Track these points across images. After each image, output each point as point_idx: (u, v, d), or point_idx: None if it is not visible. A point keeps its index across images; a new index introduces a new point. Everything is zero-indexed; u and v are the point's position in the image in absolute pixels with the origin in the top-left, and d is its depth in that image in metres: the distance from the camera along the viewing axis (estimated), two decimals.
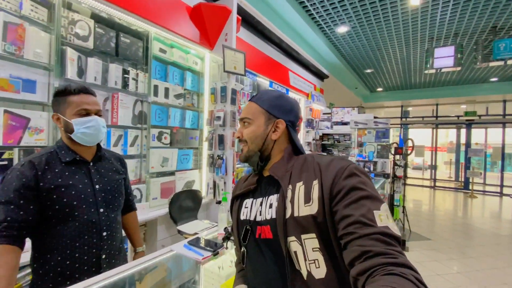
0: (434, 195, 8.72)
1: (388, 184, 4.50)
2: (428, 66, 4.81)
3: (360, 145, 4.86)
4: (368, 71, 7.26)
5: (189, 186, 2.52)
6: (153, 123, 2.24)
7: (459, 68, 4.85)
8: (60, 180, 0.98)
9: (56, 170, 0.99)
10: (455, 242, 4.15)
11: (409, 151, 5.08)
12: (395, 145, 4.68)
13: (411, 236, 4.42)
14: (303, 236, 0.59)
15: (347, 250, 0.51)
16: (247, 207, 0.74)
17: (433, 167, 10.44)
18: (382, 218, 0.51)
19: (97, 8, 1.80)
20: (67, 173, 1.00)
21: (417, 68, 6.87)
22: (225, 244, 1.19)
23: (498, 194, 8.86)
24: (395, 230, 0.50)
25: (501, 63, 4.57)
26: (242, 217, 0.74)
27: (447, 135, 13.86)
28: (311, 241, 0.58)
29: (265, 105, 0.75)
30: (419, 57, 5.95)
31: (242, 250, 0.73)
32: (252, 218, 0.71)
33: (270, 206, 0.67)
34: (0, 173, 1.38)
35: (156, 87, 2.25)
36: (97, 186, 1.06)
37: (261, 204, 0.70)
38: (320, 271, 0.57)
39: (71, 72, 1.67)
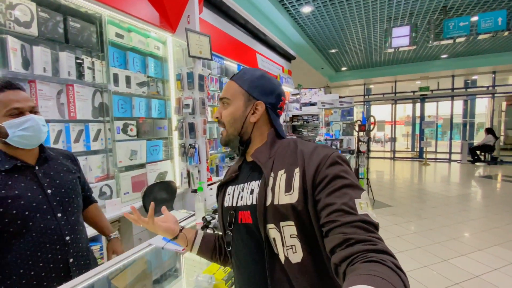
0: (394, 165, 9.54)
1: (353, 159, 4.81)
2: (387, 45, 5.06)
3: (328, 124, 5.08)
4: (333, 51, 7.44)
5: (161, 177, 2.46)
6: (116, 114, 2.11)
7: (414, 47, 5.17)
8: (3, 191, 0.88)
9: None
10: (412, 206, 4.65)
11: (372, 127, 5.42)
12: (358, 122, 4.96)
13: (375, 204, 4.84)
14: (281, 224, 0.60)
15: (329, 237, 0.52)
16: (229, 194, 0.75)
17: (393, 139, 11.32)
18: (363, 206, 0.53)
19: None
20: (10, 183, 0.91)
21: (378, 48, 7.19)
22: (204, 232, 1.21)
23: (447, 161, 9.96)
24: (374, 217, 0.53)
25: (451, 41, 4.96)
26: (226, 204, 0.75)
27: (405, 110, 15.00)
28: (289, 228, 0.60)
29: (245, 85, 0.72)
30: (379, 36, 6.22)
31: (227, 235, 0.75)
32: (234, 204, 0.72)
33: (251, 192, 0.68)
34: None
35: (116, 75, 2.09)
36: (49, 191, 0.98)
37: (242, 190, 0.71)
38: (296, 256, 0.60)
39: (15, 64, 1.49)
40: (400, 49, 5.29)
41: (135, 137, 2.27)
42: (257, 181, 0.67)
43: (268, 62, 4.67)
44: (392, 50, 5.03)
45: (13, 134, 0.90)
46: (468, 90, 10.19)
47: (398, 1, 4.44)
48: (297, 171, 0.61)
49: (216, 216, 1.29)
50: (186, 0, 2.39)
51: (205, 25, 2.88)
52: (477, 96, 10.07)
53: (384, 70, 9.98)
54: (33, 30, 1.57)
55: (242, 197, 0.70)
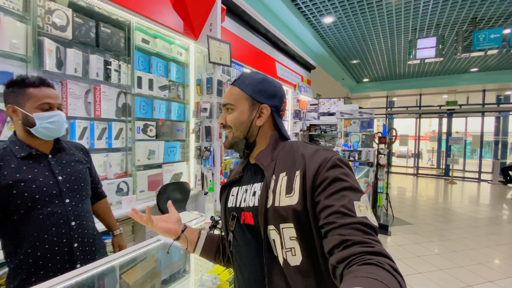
0: (417, 182, 9.08)
1: (372, 172, 4.65)
2: (411, 57, 4.92)
3: (346, 135, 4.97)
4: (354, 62, 7.35)
5: (176, 178, 2.52)
6: (138, 115, 2.21)
7: (440, 59, 4.99)
8: (18, 175, 0.97)
9: (12, 166, 0.97)
10: (434, 226, 4.38)
11: (393, 140, 5.23)
12: (379, 134, 4.81)
13: (394, 221, 4.62)
14: (281, 225, 0.61)
15: (327, 238, 0.53)
16: (233, 195, 0.76)
17: (416, 155, 10.82)
18: (362, 209, 0.53)
19: None
20: (24, 168, 0.99)
21: (402, 59, 7.01)
22: (212, 232, 1.22)
23: (476, 180, 9.32)
24: (373, 220, 0.53)
25: (481, 53, 4.73)
26: (229, 205, 0.76)
27: (430, 125, 14.34)
28: (289, 230, 0.60)
29: (248, 90, 0.72)
30: (403, 48, 6.07)
31: (229, 235, 0.75)
32: (237, 205, 0.73)
33: (254, 194, 0.69)
34: None
35: (139, 78, 2.21)
36: (60, 178, 1.06)
37: (246, 191, 0.72)
38: (295, 259, 0.60)
39: (50, 64, 1.62)
40: (426, 61, 5.12)
41: (154, 138, 2.35)
42: (260, 183, 0.68)
43: (287, 71, 4.70)
44: (417, 61, 4.87)
45: (39, 125, 0.99)
46: (501, 106, 9.58)
47: (424, 12, 4.34)
48: (298, 174, 0.61)
49: None
50: (209, 9, 2.50)
51: (226, 33, 2.97)
52: (510, 112, 9.44)
53: (409, 82, 9.67)
54: (68, 34, 1.71)
55: (245, 198, 0.71)
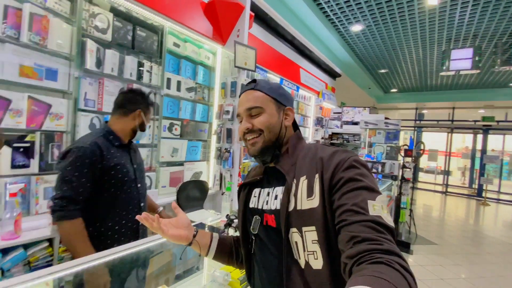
0: (445, 200, 8.52)
1: (395, 186, 4.45)
2: (444, 68, 4.69)
3: (370, 145, 4.82)
4: (382, 71, 7.14)
5: (196, 176, 2.60)
6: (165, 114, 2.33)
7: (477, 71, 4.70)
8: (115, 159, 1.20)
9: (112, 151, 1.20)
10: (462, 248, 4.08)
11: (421, 154, 4.99)
12: (405, 147, 4.62)
13: (417, 239, 4.37)
14: (304, 228, 0.61)
15: (339, 235, 0.53)
16: (255, 196, 0.77)
17: (446, 172, 10.18)
18: (376, 208, 0.52)
19: (116, 2, 1.89)
20: (118, 154, 1.23)
21: (434, 70, 6.70)
22: (226, 230, 1.25)
23: None
24: (388, 220, 0.51)
25: None
26: (251, 205, 0.77)
27: (464, 140, 13.43)
28: (311, 233, 0.60)
29: (272, 93, 0.74)
30: (436, 58, 5.80)
31: (248, 235, 0.77)
32: (260, 207, 0.74)
33: (276, 197, 0.70)
34: (23, 156, 1.49)
35: (169, 80, 2.33)
36: (134, 166, 1.31)
37: (268, 195, 0.73)
38: (317, 263, 0.59)
39: (90, 63, 1.77)
40: (461, 72, 4.85)
41: (178, 137, 2.46)
42: (281, 187, 0.69)
43: (311, 78, 4.69)
44: (451, 73, 4.63)
45: (144, 132, 1.35)
46: None
47: (460, 22, 4.14)
48: (317, 177, 0.62)
49: None
50: (238, 15, 2.58)
51: (252, 39, 3.04)
52: None
53: (441, 94, 9.19)
54: (108, 36, 1.86)
55: (267, 201, 0.72)
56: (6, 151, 1.42)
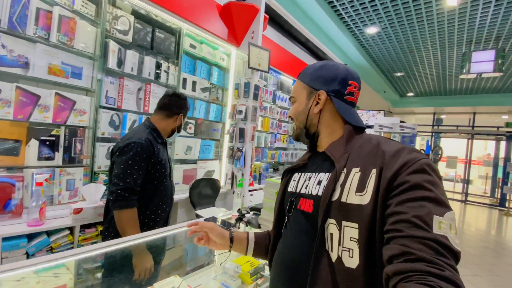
0: (465, 210, 8.16)
1: None
2: (464, 71, 4.54)
3: None
4: (398, 74, 7.00)
5: (209, 175, 2.65)
6: None
7: (499, 74, 4.52)
8: (160, 155, 1.36)
9: (158, 147, 1.36)
10: (482, 259, 3.90)
11: (438, 159, 4.83)
12: (422, 151, 4.49)
13: None
14: (344, 223, 0.56)
15: (388, 245, 0.47)
16: (294, 181, 0.74)
17: (466, 180, 9.76)
18: (443, 226, 0.44)
19: (137, 5, 1.98)
20: (162, 150, 1.39)
21: (453, 73, 6.50)
22: (237, 224, 1.28)
23: None
24: (455, 244, 0.43)
25: None
26: (289, 189, 0.75)
27: (486, 147, 12.85)
28: (352, 230, 0.55)
29: (307, 79, 0.73)
30: (456, 61, 5.63)
31: (283, 220, 0.74)
32: (297, 191, 0.71)
33: (319, 183, 0.65)
34: (48, 148, 1.59)
35: (184, 80, 2.40)
36: (169, 162, 1.48)
37: (309, 179, 0.69)
38: (351, 261, 0.54)
39: (112, 63, 1.86)
40: (483, 75, 4.68)
41: (192, 135, 2.52)
42: (326, 174, 0.64)
43: None
44: (472, 76, 4.47)
45: (180, 130, 1.52)
46: None
47: (481, 23, 4.01)
48: (374, 172, 0.55)
49: (251, 212, 1.35)
50: (252, 18, 2.63)
51: (266, 41, 3.09)
52: None
53: (461, 99, 8.87)
54: (129, 37, 1.95)
55: (307, 185, 0.68)
56: (34, 143, 1.51)
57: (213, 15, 2.46)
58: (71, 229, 1.49)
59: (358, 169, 0.58)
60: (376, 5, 3.70)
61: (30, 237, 1.33)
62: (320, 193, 0.63)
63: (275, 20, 3.24)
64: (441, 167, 11.70)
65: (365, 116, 5.33)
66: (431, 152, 4.29)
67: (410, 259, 0.42)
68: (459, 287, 0.38)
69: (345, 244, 0.55)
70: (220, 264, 1.20)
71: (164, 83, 2.24)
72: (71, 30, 1.64)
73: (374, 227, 0.52)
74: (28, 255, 1.31)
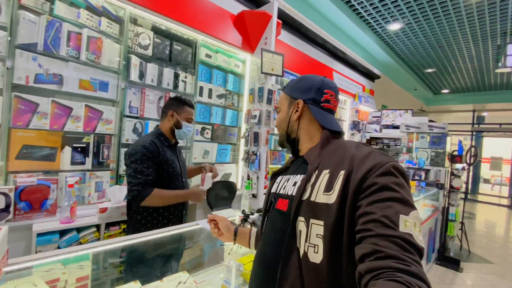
0: (511, 216, 7.38)
1: (442, 196, 4.05)
2: (500, 64, 4.16)
3: (409, 150, 4.48)
4: (429, 70, 6.59)
5: (226, 178, 2.75)
6: (197, 119, 2.53)
7: None
8: (167, 156, 1.49)
9: (165, 149, 1.50)
10: None
11: (474, 160, 4.46)
12: (455, 152, 4.19)
13: (470, 257, 3.90)
14: (311, 220, 0.60)
15: (360, 245, 0.50)
16: (277, 183, 0.80)
17: None
18: (408, 224, 0.48)
19: (156, 22, 2.15)
20: (169, 152, 1.52)
21: (490, 67, 5.96)
22: (242, 224, 1.34)
23: None
24: (419, 240, 0.47)
25: None
26: (272, 191, 0.81)
27: None
28: (318, 227, 0.58)
29: (288, 90, 0.82)
30: (491, 54, 5.17)
31: (264, 219, 0.80)
32: (277, 191, 0.77)
33: (294, 184, 0.71)
34: (80, 154, 1.79)
35: (201, 88, 2.53)
36: (180, 163, 1.60)
37: (287, 181, 0.75)
38: (316, 256, 0.58)
39: (134, 75, 2.04)
40: None
41: (209, 140, 2.64)
42: (302, 175, 0.70)
43: (346, 81, 4.57)
44: (508, 69, 4.09)
45: (183, 129, 1.58)
46: None
47: None
48: (341, 174, 0.59)
49: (256, 214, 1.41)
50: (265, 24, 2.70)
51: (281, 45, 3.13)
52: None
53: (504, 94, 8.06)
54: (149, 52, 2.12)
55: (285, 186, 0.75)
56: (68, 150, 1.72)
57: (227, 24, 2.57)
58: (97, 226, 1.67)
59: (328, 170, 0.63)
60: (396, 0, 3.56)
61: (62, 233, 1.52)
62: (294, 193, 0.68)
63: (290, 24, 3.27)
64: (485, 169, 10.68)
65: (391, 116, 5.08)
66: (464, 152, 3.98)
67: (379, 257, 0.45)
68: (423, 280, 0.41)
69: (311, 240, 0.59)
70: (225, 263, 1.27)
71: (182, 92, 2.38)
72: (98, 48, 1.83)
73: (339, 225, 0.56)
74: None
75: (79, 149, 1.79)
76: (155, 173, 1.43)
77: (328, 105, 0.77)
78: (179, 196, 1.50)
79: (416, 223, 0.49)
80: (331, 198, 0.58)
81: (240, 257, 1.33)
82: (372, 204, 0.51)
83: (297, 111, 0.77)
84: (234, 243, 1.01)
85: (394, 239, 0.46)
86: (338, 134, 0.75)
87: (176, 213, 1.56)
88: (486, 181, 10.99)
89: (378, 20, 4.13)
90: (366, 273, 0.45)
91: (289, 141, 0.81)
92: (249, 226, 1.36)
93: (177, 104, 1.58)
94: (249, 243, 0.98)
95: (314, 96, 0.76)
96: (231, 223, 1.07)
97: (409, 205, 0.51)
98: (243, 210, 1.39)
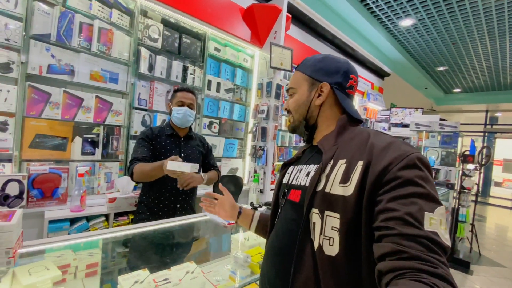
0: None
1: (451, 195, 3.97)
2: None
3: (419, 149, 4.39)
4: (441, 68, 6.43)
5: (232, 172, 2.75)
6: (205, 113, 2.53)
7: None
8: (163, 144, 1.52)
9: (162, 137, 1.53)
10: None
11: (486, 161, 4.35)
12: (466, 152, 4.09)
13: (480, 260, 3.81)
14: (326, 212, 0.57)
15: (380, 243, 0.47)
16: (289, 173, 0.76)
17: None
18: (433, 222, 0.45)
19: (166, 14, 2.16)
20: (167, 141, 1.54)
21: (507, 65, 5.78)
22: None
23: None
24: (445, 239, 0.44)
25: None
26: (284, 182, 0.77)
27: None
28: (333, 219, 0.56)
29: (308, 70, 0.72)
30: (509, 52, 5.01)
31: (279, 211, 0.77)
32: (289, 182, 0.73)
33: (307, 174, 0.67)
34: (90, 145, 1.81)
35: (209, 82, 2.53)
36: (182, 154, 1.56)
37: (300, 171, 0.71)
38: (331, 249, 0.56)
39: (143, 68, 2.05)
40: None
41: (217, 134, 2.64)
42: (316, 165, 0.66)
43: None
44: None
45: (173, 115, 1.55)
46: None
47: None
48: (359, 164, 0.55)
49: (264, 206, 1.40)
50: (275, 18, 2.67)
51: (290, 40, 3.10)
52: None
53: None
54: (158, 44, 2.13)
55: (297, 177, 0.71)
56: (78, 140, 1.74)
57: (236, 18, 2.56)
58: (106, 216, 1.69)
59: (344, 160, 0.59)
60: None
61: (72, 221, 1.54)
62: (307, 184, 0.64)
63: (299, 19, 3.24)
64: (497, 171, 10.41)
65: (400, 115, 4.99)
66: (476, 153, 3.88)
67: (403, 257, 0.43)
68: (450, 282, 0.39)
69: (326, 233, 0.57)
70: (232, 254, 1.26)
71: (191, 85, 2.38)
72: (109, 40, 1.85)
73: (356, 218, 0.53)
74: None
75: (89, 140, 1.81)
76: (153, 156, 1.49)
77: (351, 91, 0.71)
78: (154, 168, 1.36)
79: (442, 220, 0.46)
80: (348, 190, 0.54)
81: (247, 249, 1.33)
82: (394, 200, 0.48)
83: (320, 95, 0.69)
84: (236, 222, 1.00)
85: (418, 238, 0.43)
86: (357, 121, 0.69)
87: (168, 205, 1.52)
88: (498, 184, 10.70)
89: (389, 15, 4.05)
90: (388, 272, 0.43)
91: (307, 127, 0.74)
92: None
93: (172, 95, 1.62)
94: (250, 225, 0.97)
95: (341, 80, 0.69)
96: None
97: (434, 201, 0.47)
98: (251, 203, 1.39)
